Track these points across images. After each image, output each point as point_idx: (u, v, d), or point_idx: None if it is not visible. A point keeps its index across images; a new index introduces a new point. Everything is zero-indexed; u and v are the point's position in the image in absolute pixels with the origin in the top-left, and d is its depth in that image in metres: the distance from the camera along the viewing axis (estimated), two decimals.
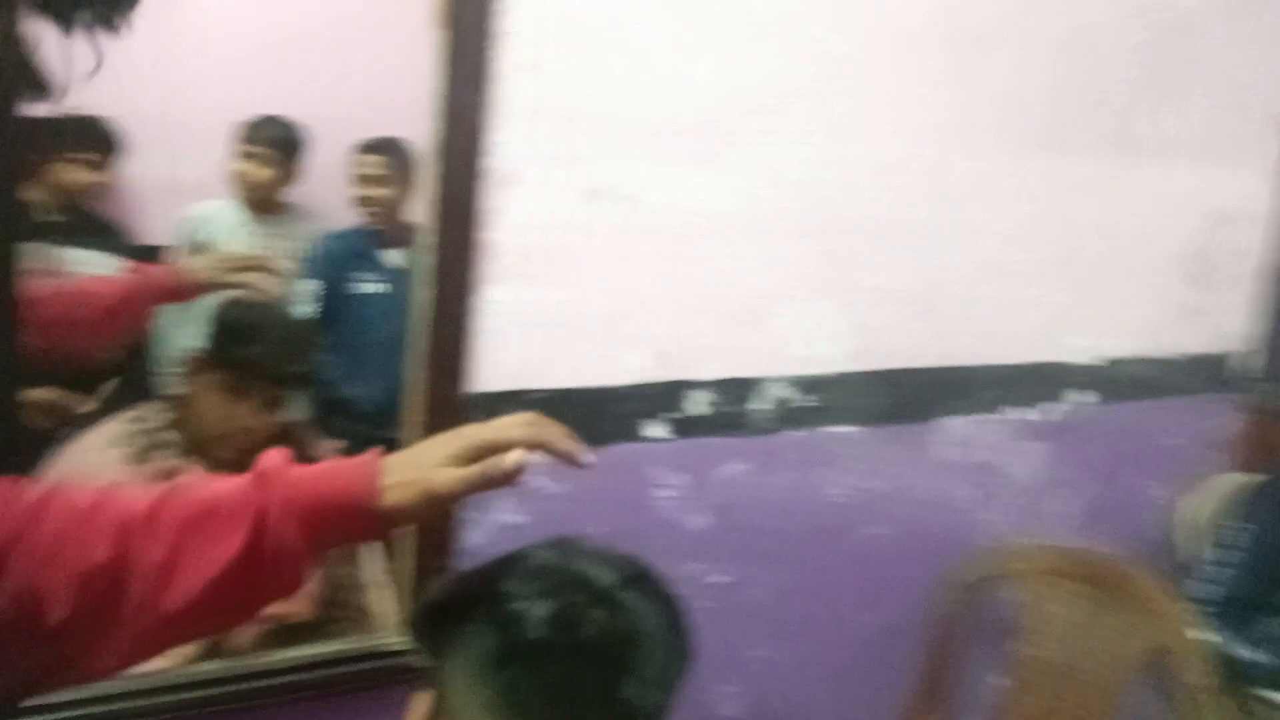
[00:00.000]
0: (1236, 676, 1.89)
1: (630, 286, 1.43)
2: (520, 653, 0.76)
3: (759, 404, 1.59)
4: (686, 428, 1.53)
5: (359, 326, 2.39)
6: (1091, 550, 1.92)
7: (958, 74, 1.65)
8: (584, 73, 1.33)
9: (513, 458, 0.77)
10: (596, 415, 1.45)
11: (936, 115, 1.64)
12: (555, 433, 0.80)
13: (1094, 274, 1.92)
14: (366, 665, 1.37)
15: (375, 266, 2.43)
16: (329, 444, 1.83)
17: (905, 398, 1.74)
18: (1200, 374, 2.14)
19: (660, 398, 1.49)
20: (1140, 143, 1.90)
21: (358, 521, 0.75)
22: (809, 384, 1.63)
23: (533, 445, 0.78)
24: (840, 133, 1.55)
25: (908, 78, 1.60)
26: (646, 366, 1.47)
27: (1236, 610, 1.96)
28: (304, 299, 2.34)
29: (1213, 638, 1.71)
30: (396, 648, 1.38)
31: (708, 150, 1.44)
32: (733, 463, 1.59)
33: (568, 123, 1.33)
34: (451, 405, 1.35)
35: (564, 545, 0.85)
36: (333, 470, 0.76)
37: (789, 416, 1.62)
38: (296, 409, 1.73)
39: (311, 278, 2.36)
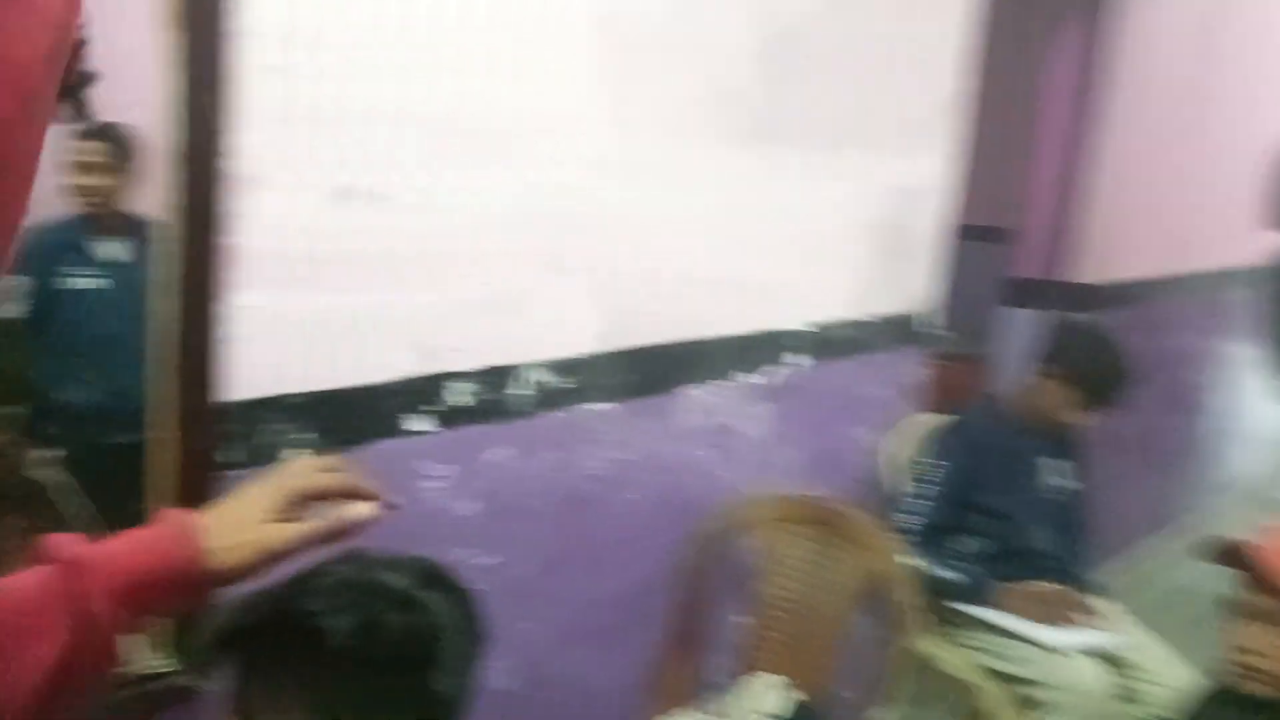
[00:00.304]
0: (938, 594, 2.19)
1: (386, 285, 1.45)
2: (329, 666, 0.80)
3: (518, 389, 1.66)
4: (450, 419, 1.57)
5: (73, 325, 2.22)
6: (814, 496, 2.16)
7: (676, 73, 1.77)
8: (338, 73, 1.32)
9: (359, 511, 0.80)
10: (359, 414, 1.46)
11: (662, 111, 1.76)
12: (358, 477, 0.83)
13: (802, 249, 2.14)
14: (132, 690, 1.32)
15: (90, 260, 2.26)
16: (44, 453, 1.71)
17: (650, 372, 1.87)
18: (894, 332, 2.43)
19: (422, 391, 1.53)
20: (836, 131, 2.13)
21: (185, 590, 0.74)
22: (563, 367, 1.72)
23: (347, 493, 0.81)
24: (577, 129, 1.64)
25: (631, 76, 1.70)
26: (406, 362, 1.50)
27: (933, 536, 2.27)
28: (7, 297, 2.14)
29: (916, 562, 1.97)
30: (161, 670, 1.34)
31: (457, 149, 1.48)
32: (497, 448, 1.65)
33: (320, 124, 1.32)
34: (204, 415, 1.32)
35: (356, 557, 0.89)
36: (149, 543, 0.74)
37: (547, 399, 1.70)
38: None
39: (19, 274, 2.17)
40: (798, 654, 1.93)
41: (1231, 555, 1.49)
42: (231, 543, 0.75)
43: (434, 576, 0.90)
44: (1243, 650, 1.44)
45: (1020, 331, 3.28)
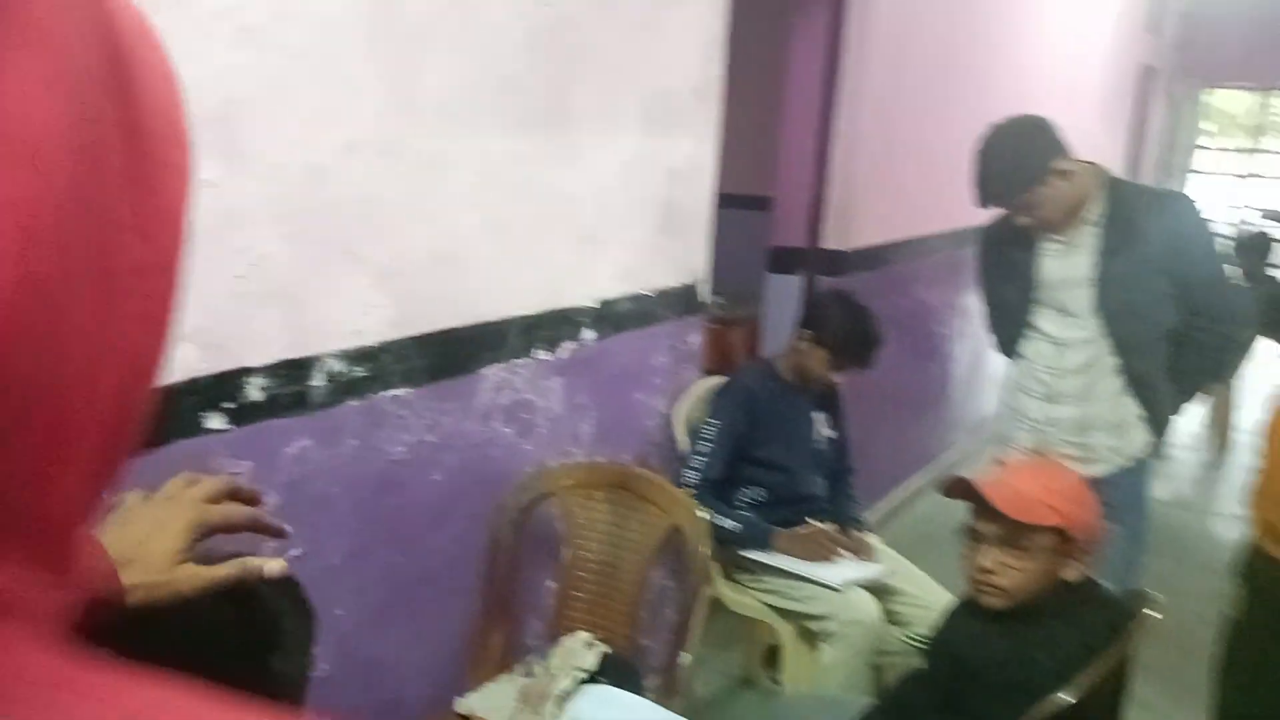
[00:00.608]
0: (722, 542, 2.36)
1: None
2: (174, 658, 0.83)
3: (316, 381, 1.67)
4: (246, 414, 1.56)
5: None
6: (609, 462, 2.27)
7: (452, 61, 1.82)
8: None
9: (270, 567, 0.83)
10: (152, 415, 1.43)
11: (440, 98, 1.80)
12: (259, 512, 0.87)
13: (583, 229, 2.23)
14: None
15: None
16: None
17: (449, 355, 1.92)
18: (673, 303, 2.58)
19: (215, 389, 1.51)
20: (608, 115, 2.23)
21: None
22: (358, 356, 1.74)
23: (251, 528, 0.84)
24: (351, 115, 1.66)
25: (407, 63, 1.73)
26: (197, 360, 1.48)
27: (713, 489, 2.45)
28: None
29: (704, 514, 2.12)
30: None
31: (226, 143, 1.47)
32: (297, 440, 1.66)
33: None
34: None
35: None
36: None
37: (345, 389, 1.72)
38: None
39: None
40: (605, 610, 2.05)
41: (958, 488, 1.71)
42: (149, 582, 0.76)
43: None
44: (979, 570, 1.66)
45: (784, 296, 3.53)
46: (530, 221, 2.07)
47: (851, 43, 3.43)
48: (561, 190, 2.14)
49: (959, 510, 1.74)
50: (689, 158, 2.55)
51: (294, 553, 1.68)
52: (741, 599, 2.49)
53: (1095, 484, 1.95)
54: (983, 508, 1.66)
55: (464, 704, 1.97)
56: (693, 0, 2.46)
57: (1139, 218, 2.43)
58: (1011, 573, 1.63)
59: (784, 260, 3.54)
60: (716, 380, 2.76)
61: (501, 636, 2.06)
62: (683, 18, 2.43)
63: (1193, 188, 10.35)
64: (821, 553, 2.43)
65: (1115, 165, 7.76)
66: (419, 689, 1.99)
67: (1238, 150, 12.08)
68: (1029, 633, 1.63)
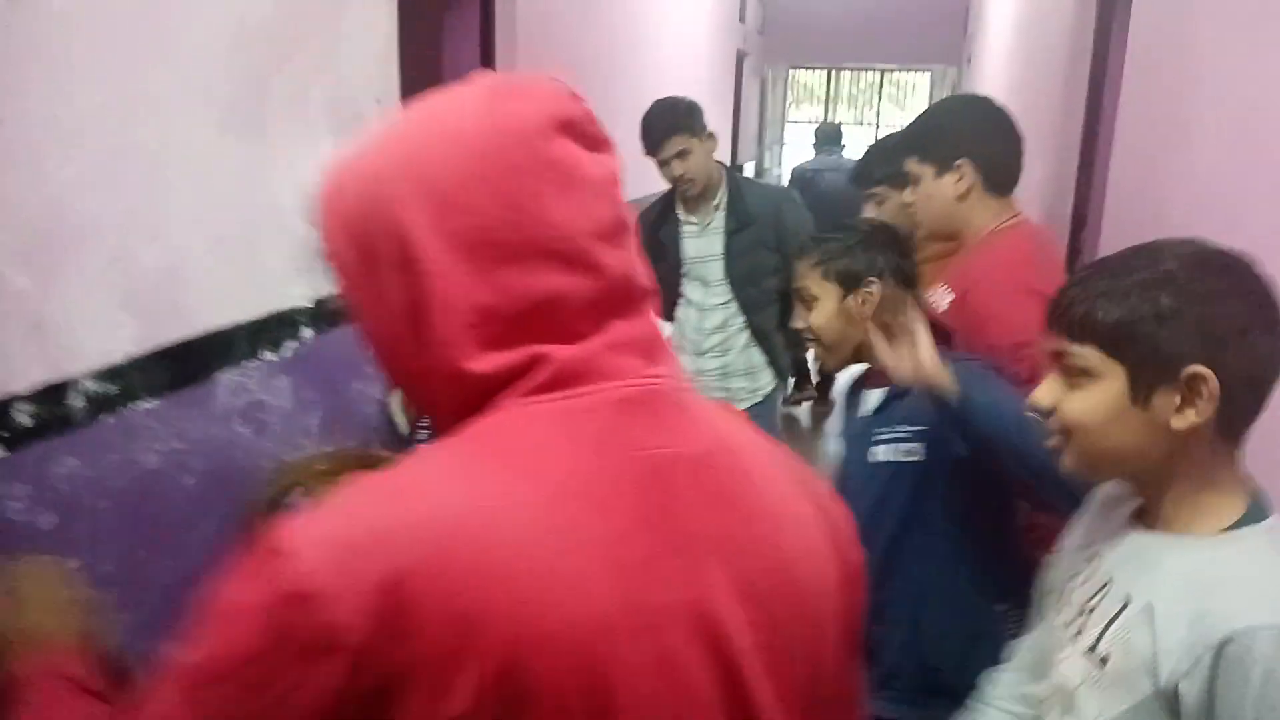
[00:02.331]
0: None
1: None
2: None
3: (75, 402, 1.74)
4: (19, 440, 1.63)
5: None
6: (345, 449, 2.47)
7: (152, 70, 1.92)
8: None
9: None
10: None
11: (148, 108, 1.90)
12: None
13: (295, 232, 2.39)
14: None
15: None
16: None
17: (188, 365, 2.03)
18: None
19: None
20: (307, 124, 2.40)
21: None
22: (109, 374, 1.82)
23: None
24: (72, 143, 1.74)
25: (110, 72, 1.83)
26: None
27: None
28: None
29: None
30: None
31: None
32: (65, 460, 1.73)
33: None
34: None
35: None
36: None
37: (101, 406, 1.80)
38: None
39: None
40: None
41: None
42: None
43: None
44: None
45: None
46: (245, 229, 2.21)
47: (500, 39, 3.76)
48: (269, 197, 2.29)
49: None
50: None
51: (74, 565, 1.76)
52: None
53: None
54: None
55: None
56: (366, 6, 2.66)
57: (754, 205, 3.09)
58: None
59: None
60: None
61: None
62: (359, 23, 2.63)
63: (787, 155, 11.87)
64: None
65: (723, 140, 8.76)
66: None
67: (810, 122, 13.91)
68: None
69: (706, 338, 3.24)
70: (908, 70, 12.56)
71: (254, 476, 2.24)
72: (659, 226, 3.20)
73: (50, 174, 1.67)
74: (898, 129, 2.78)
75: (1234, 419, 1.10)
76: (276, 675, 0.67)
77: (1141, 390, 1.09)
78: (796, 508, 0.82)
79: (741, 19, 9.61)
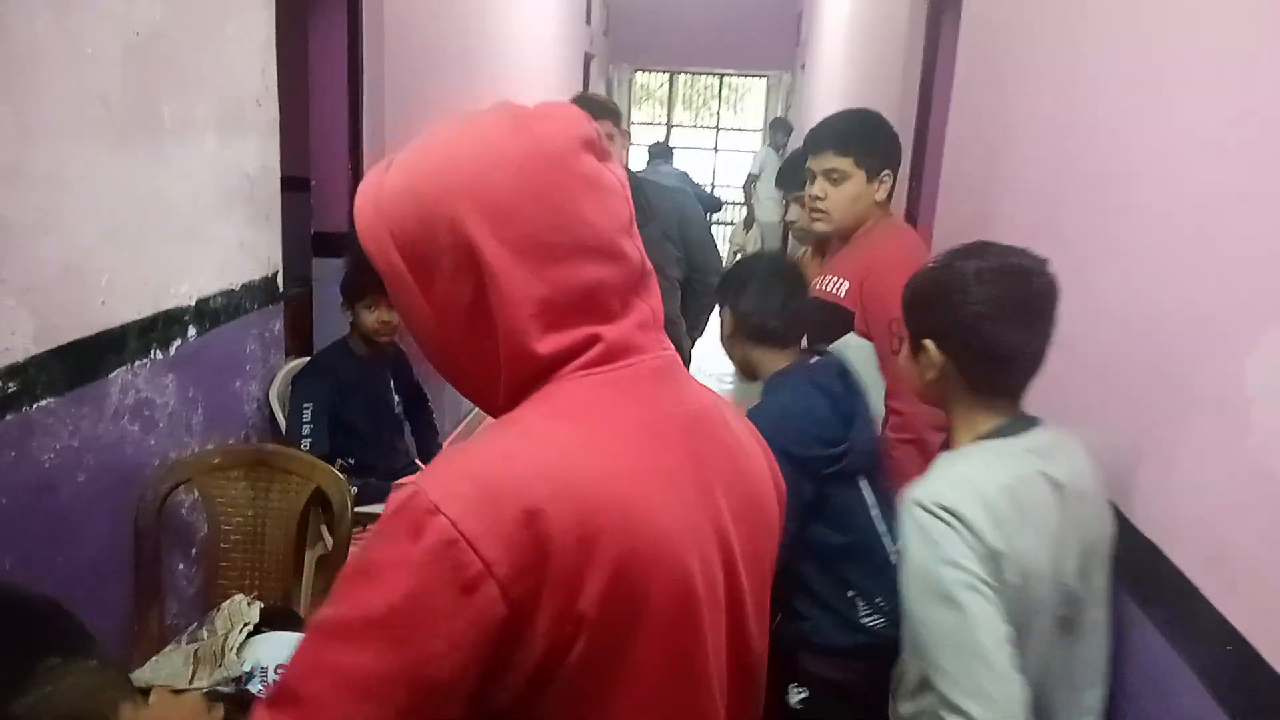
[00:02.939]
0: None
1: None
2: None
3: None
4: None
5: None
6: (238, 445, 2.50)
7: (53, 80, 1.93)
8: None
9: None
10: None
11: (46, 117, 1.91)
12: None
13: (183, 232, 2.41)
14: None
15: None
16: None
17: (83, 362, 2.03)
18: (258, 294, 2.81)
19: None
20: (195, 124, 2.42)
21: None
22: (9, 372, 1.82)
23: None
24: None
25: (22, 90, 1.83)
26: None
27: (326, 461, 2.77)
28: None
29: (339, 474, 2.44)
30: None
31: None
32: None
33: None
34: None
35: None
36: None
37: (4, 405, 1.80)
38: None
39: None
40: (258, 575, 2.30)
41: None
42: None
43: None
44: None
45: (330, 277, 3.84)
46: (137, 229, 2.22)
47: (367, 39, 3.80)
48: (161, 197, 2.30)
49: None
50: (258, 157, 2.79)
51: None
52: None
53: None
54: None
55: (137, 676, 2.13)
56: (247, 10, 2.68)
57: (655, 200, 3.25)
58: None
59: (327, 244, 3.84)
60: (297, 361, 3.05)
61: (157, 614, 2.23)
62: (240, 29, 2.65)
63: (638, 158, 12.16)
64: None
65: None
66: None
67: (653, 123, 14.24)
68: None
69: None
70: (745, 75, 13.08)
71: (141, 473, 2.26)
72: None
73: None
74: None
75: (975, 378, 1.48)
76: (441, 613, 0.78)
77: (913, 348, 1.55)
78: (749, 445, 1.03)
79: (588, 21, 9.79)
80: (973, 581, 1.32)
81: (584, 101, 3.30)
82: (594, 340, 0.89)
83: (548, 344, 0.87)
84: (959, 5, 3.43)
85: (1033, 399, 1.51)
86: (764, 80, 12.60)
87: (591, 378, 0.89)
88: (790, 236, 5.38)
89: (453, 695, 0.80)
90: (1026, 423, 1.49)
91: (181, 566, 2.43)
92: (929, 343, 1.50)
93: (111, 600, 2.19)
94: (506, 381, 0.90)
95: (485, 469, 0.82)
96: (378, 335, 2.98)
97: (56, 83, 1.92)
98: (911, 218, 3.72)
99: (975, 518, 1.34)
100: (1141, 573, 1.49)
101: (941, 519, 1.34)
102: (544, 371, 0.89)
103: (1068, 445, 1.50)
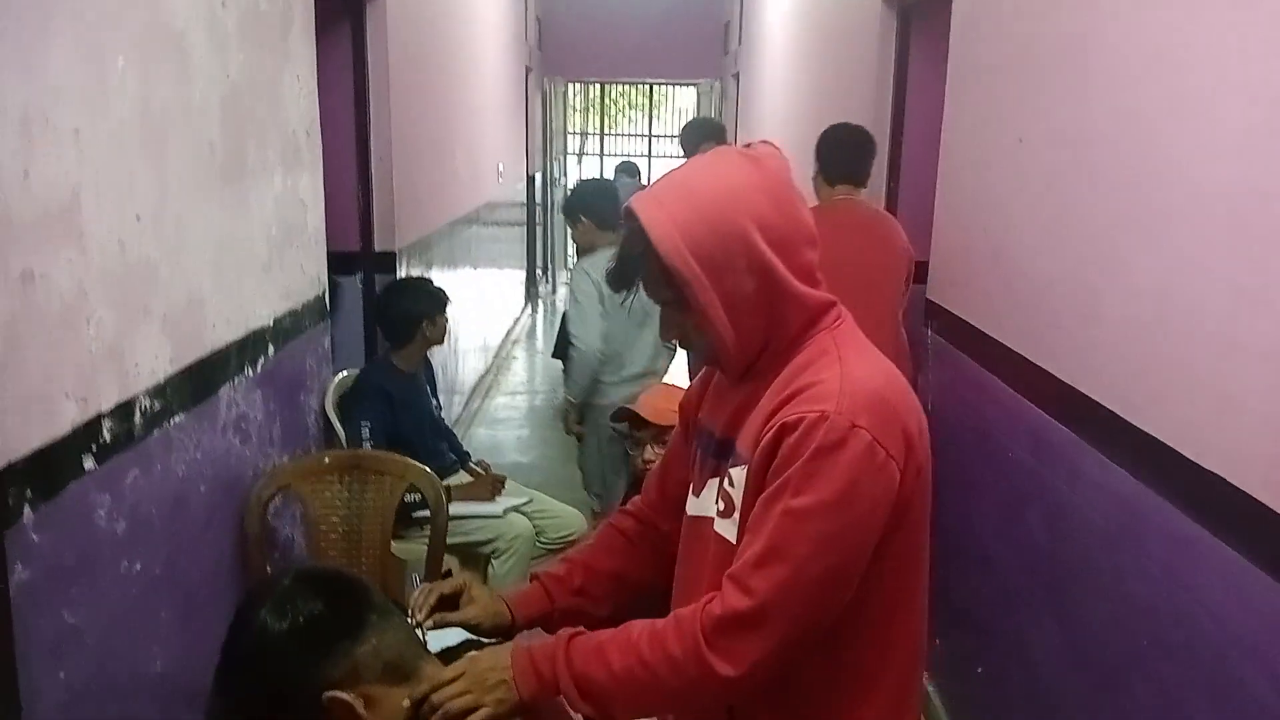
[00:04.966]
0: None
1: (30, 343, 1.63)
2: None
3: (136, 418, 1.91)
4: (104, 453, 1.79)
5: None
6: (329, 451, 2.67)
7: (174, 132, 2.10)
8: None
9: None
10: (51, 468, 1.62)
11: (179, 168, 2.08)
12: None
13: (261, 259, 2.58)
14: None
15: None
16: None
17: (203, 381, 2.21)
18: (311, 313, 2.98)
19: (85, 435, 1.73)
20: (267, 162, 2.59)
21: None
22: (156, 391, 1.99)
23: None
24: (130, 196, 1.91)
25: (156, 139, 2.00)
26: (77, 414, 1.69)
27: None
28: None
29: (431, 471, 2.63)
30: None
31: (73, 230, 1.68)
32: (131, 471, 1.89)
33: None
34: None
35: None
36: None
37: (151, 422, 1.97)
38: None
39: None
40: (358, 569, 2.49)
41: (622, 414, 2.50)
42: None
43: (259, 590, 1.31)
44: (645, 461, 2.46)
45: (346, 294, 4.01)
46: (231, 259, 2.39)
47: (372, 67, 3.98)
48: (246, 227, 2.48)
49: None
50: (310, 186, 2.97)
51: (135, 569, 1.93)
52: (409, 547, 3.02)
53: None
54: (639, 422, 2.46)
55: None
56: (297, 56, 2.86)
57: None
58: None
59: (341, 263, 4.00)
60: (344, 375, 3.22)
61: None
62: (293, 72, 2.83)
63: (573, 168, 12.39)
64: (490, 494, 3.07)
65: (519, 153, 9.10)
66: (209, 665, 2.26)
67: (583, 133, 14.49)
68: None
69: None
70: (674, 84, 13.44)
71: (241, 482, 2.43)
72: None
73: (119, 222, 1.83)
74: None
75: None
76: (869, 487, 1.19)
77: None
78: None
79: (526, 38, 9.99)
80: None
81: (704, 123, 3.58)
82: (832, 302, 1.32)
83: (813, 298, 1.29)
84: (933, 13, 3.76)
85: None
86: (694, 89, 12.93)
87: (844, 326, 1.32)
88: None
89: (874, 541, 1.22)
90: None
91: (283, 568, 2.60)
92: None
93: (230, 605, 2.34)
94: (782, 335, 1.29)
95: (871, 392, 1.22)
96: (441, 343, 3.20)
97: (176, 134, 2.09)
98: (891, 208, 4.02)
99: None
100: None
101: None
102: (812, 319, 1.30)
103: None
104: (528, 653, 1.29)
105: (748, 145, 1.31)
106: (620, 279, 1.33)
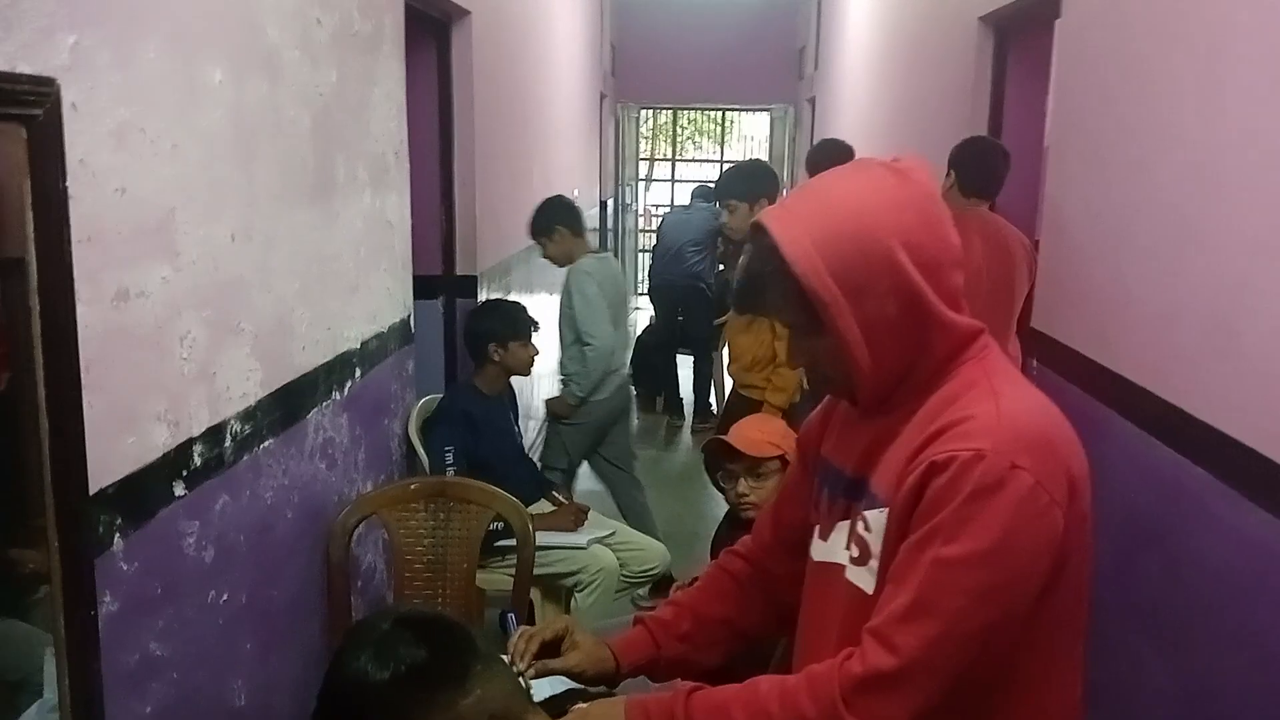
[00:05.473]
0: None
1: (129, 366, 1.58)
2: None
3: (226, 443, 1.86)
4: (195, 479, 1.74)
5: None
6: (414, 479, 2.61)
7: (265, 149, 2.06)
8: None
9: None
10: (144, 491, 1.57)
11: (268, 184, 2.04)
12: None
13: (348, 279, 2.54)
14: None
15: None
16: None
17: (292, 404, 2.16)
18: (397, 336, 2.94)
19: (176, 460, 1.67)
20: (355, 181, 2.56)
21: None
22: (246, 415, 1.94)
23: None
24: (222, 211, 1.87)
25: (247, 157, 1.96)
26: (167, 438, 1.64)
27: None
28: None
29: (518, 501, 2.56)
30: None
31: (167, 246, 1.64)
32: (220, 497, 1.84)
33: None
34: None
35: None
36: None
37: (241, 446, 1.92)
38: None
39: None
40: (443, 599, 2.41)
41: (712, 445, 2.39)
42: None
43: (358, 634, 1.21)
44: (738, 495, 2.34)
45: (427, 317, 3.98)
46: (319, 280, 2.35)
47: (457, 90, 3.96)
48: (333, 249, 2.44)
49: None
50: (396, 207, 2.93)
51: (222, 599, 1.87)
52: (491, 577, 2.94)
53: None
54: (731, 454, 2.35)
55: None
56: (386, 76, 2.84)
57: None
58: (759, 492, 2.33)
59: (424, 287, 3.97)
60: (427, 399, 3.17)
61: None
62: (383, 91, 2.80)
63: (642, 192, 12.41)
64: (573, 524, 2.99)
65: (592, 178, 9.09)
66: (292, 696, 2.21)
67: (651, 158, 14.48)
68: None
69: None
70: (746, 110, 13.40)
71: (326, 509, 2.37)
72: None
73: (212, 238, 1.78)
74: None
75: None
76: (1030, 534, 1.08)
77: None
78: None
79: (600, 61, 10.02)
80: None
81: (833, 145, 3.64)
82: (981, 329, 1.20)
83: (961, 325, 1.17)
84: (1031, 31, 3.63)
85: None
86: (767, 114, 12.84)
87: (992, 354, 1.20)
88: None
89: (1035, 589, 1.10)
90: None
91: (370, 597, 2.54)
92: None
93: (311, 635, 2.29)
94: (925, 365, 1.18)
95: (1032, 429, 1.11)
96: (527, 370, 3.13)
97: (268, 150, 2.05)
98: None
99: None
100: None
101: None
102: (958, 348, 1.18)
103: None
104: (643, 708, 1.19)
105: (894, 159, 1.19)
106: (746, 299, 1.23)
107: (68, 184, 1.33)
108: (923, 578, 1.08)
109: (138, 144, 1.54)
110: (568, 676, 1.39)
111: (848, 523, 1.24)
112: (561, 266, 4.00)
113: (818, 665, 1.14)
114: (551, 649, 1.38)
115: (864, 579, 1.20)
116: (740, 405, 3.37)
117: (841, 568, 1.24)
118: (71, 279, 1.34)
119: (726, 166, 4.84)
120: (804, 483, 1.42)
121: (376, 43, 2.74)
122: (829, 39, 9.18)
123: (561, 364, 3.93)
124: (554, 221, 3.93)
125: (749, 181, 3.61)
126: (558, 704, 1.32)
